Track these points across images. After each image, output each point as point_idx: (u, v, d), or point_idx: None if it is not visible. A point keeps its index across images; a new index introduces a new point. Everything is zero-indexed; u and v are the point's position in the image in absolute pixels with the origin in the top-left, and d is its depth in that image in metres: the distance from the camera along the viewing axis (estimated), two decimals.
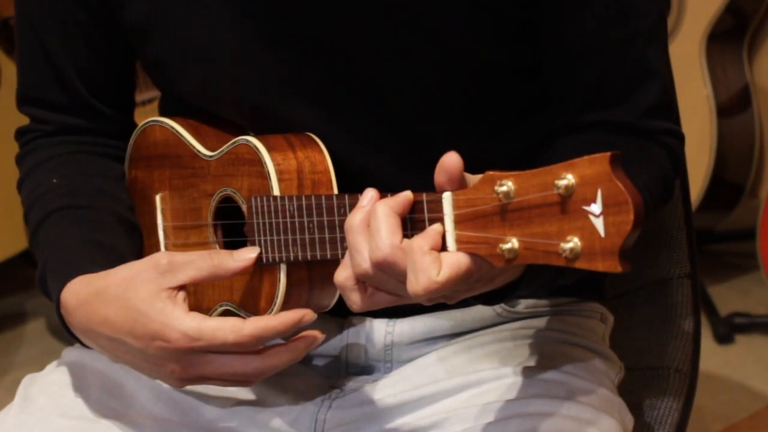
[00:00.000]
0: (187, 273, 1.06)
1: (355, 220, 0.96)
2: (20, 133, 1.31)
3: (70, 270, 1.13)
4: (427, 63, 1.13)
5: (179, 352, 1.04)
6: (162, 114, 1.30)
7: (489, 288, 0.97)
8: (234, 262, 1.07)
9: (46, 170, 1.26)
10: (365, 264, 0.94)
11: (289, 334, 1.06)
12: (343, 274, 0.97)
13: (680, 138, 1.20)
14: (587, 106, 1.16)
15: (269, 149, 1.11)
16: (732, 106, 2.63)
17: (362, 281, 0.96)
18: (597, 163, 0.82)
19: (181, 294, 1.06)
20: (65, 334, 1.14)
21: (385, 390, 1.20)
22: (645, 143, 1.16)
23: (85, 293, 1.10)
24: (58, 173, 1.25)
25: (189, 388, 1.18)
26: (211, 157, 1.17)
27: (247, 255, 1.08)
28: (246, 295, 1.14)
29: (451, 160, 0.92)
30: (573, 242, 0.83)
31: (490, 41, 1.13)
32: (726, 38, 2.62)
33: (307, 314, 1.05)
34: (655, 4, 1.15)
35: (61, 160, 1.27)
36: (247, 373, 1.06)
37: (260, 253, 1.09)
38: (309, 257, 1.06)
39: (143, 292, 1.06)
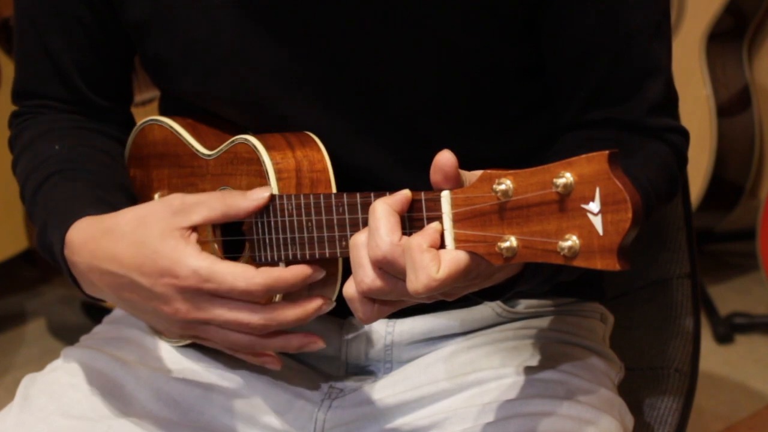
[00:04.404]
0: (201, 213, 1.06)
1: (361, 237, 0.96)
2: (15, 116, 1.30)
3: (75, 214, 1.12)
4: (428, 62, 1.13)
5: (187, 291, 1.04)
6: (161, 114, 1.30)
7: (489, 284, 0.97)
8: (246, 202, 1.07)
9: (47, 140, 1.25)
10: (368, 279, 0.94)
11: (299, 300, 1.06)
12: (352, 288, 0.97)
13: (684, 135, 1.20)
14: (591, 104, 1.16)
15: (268, 148, 1.11)
16: (732, 106, 2.63)
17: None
18: (595, 162, 0.82)
19: (194, 235, 1.06)
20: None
21: (385, 390, 1.20)
22: (649, 140, 1.16)
23: (93, 230, 1.09)
24: (60, 142, 1.24)
25: (190, 386, 1.19)
26: (209, 156, 1.17)
27: (260, 194, 1.07)
28: None
29: (445, 158, 0.92)
30: (571, 240, 0.83)
31: (492, 41, 1.13)
32: (726, 38, 2.62)
33: (317, 270, 1.05)
34: (658, 1, 1.15)
35: (62, 132, 1.26)
36: (251, 324, 1.05)
37: (271, 195, 1.08)
38: (308, 256, 1.06)
39: (155, 229, 1.05)
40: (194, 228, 1.06)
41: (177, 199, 1.07)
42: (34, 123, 1.28)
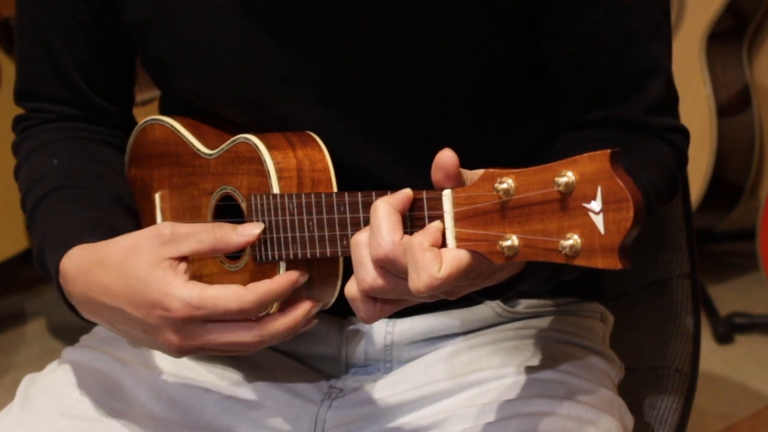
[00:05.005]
0: (190, 245, 1.05)
1: (362, 236, 0.96)
2: (18, 121, 1.30)
3: (70, 241, 1.12)
4: (428, 62, 1.13)
5: (179, 322, 1.03)
6: (162, 114, 1.30)
7: (490, 283, 0.97)
8: (237, 237, 1.07)
9: (46, 153, 1.25)
10: (369, 278, 0.94)
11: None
12: (353, 287, 0.97)
13: (685, 134, 1.20)
14: (592, 104, 1.16)
15: (269, 147, 1.11)
16: (732, 106, 2.63)
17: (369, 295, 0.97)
18: (597, 161, 0.82)
19: (183, 264, 1.05)
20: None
21: (385, 390, 1.20)
22: (649, 140, 1.16)
23: (86, 261, 1.09)
24: (58, 155, 1.24)
25: (190, 386, 1.19)
26: (210, 155, 1.17)
27: (251, 230, 1.07)
28: None
29: (446, 157, 0.92)
30: (573, 239, 0.83)
31: (493, 41, 1.13)
32: (726, 38, 2.62)
33: (301, 274, 1.06)
34: (658, 1, 1.15)
35: (61, 144, 1.26)
36: (246, 342, 1.05)
37: (263, 230, 1.08)
38: (309, 255, 1.06)
39: (144, 260, 1.05)
40: (184, 257, 1.06)
41: (167, 228, 1.06)
42: (35, 133, 1.28)
